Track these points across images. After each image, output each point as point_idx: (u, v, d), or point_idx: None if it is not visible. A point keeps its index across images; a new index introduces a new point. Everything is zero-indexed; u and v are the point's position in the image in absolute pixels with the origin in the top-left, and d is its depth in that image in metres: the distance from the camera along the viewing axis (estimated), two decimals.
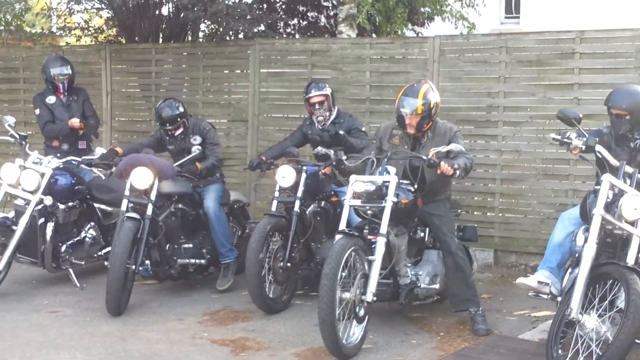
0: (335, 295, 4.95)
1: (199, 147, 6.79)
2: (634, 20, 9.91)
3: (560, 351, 4.70)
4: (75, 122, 7.66)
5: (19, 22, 11.63)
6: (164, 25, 10.54)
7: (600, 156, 5.16)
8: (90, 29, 11.51)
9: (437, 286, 5.86)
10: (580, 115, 5.40)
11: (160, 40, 10.36)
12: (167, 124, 6.91)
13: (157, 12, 10.38)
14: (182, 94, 9.09)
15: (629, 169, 5.05)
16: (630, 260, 4.77)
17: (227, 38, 10.13)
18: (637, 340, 4.59)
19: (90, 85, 9.42)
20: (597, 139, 5.28)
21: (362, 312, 5.16)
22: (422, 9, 11.17)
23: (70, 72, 7.86)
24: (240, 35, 10.11)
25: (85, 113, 7.90)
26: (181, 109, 6.97)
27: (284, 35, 10.94)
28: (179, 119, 6.91)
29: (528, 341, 5.51)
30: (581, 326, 4.63)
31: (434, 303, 6.17)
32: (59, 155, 7.16)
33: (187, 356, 5.18)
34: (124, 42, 10.70)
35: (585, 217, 5.02)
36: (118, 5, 9.70)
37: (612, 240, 5.00)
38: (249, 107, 8.88)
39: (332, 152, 6.09)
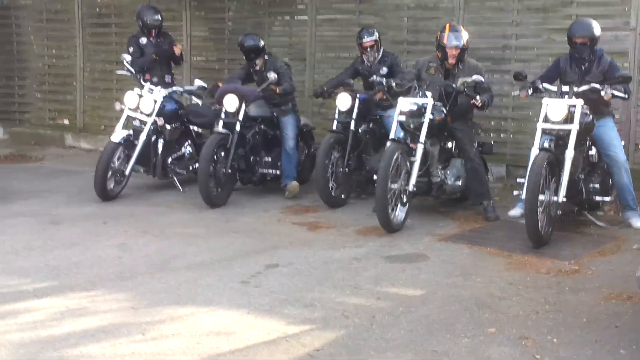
0: (387, 184, 6.53)
1: (275, 76, 8.14)
2: None
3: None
4: (179, 48, 9.26)
5: None
6: None
7: (544, 90, 6.72)
8: None
9: (459, 183, 7.42)
10: (525, 73, 6.87)
11: None
12: (244, 47, 8.49)
13: None
14: None
15: (565, 89, 6.47)
16: (570, 149, 6.24)
17: None
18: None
19: (172, 29, 10.88)
20: (544, 76, 6.85)
21: (405, 199, 6.85)
22: None
23: (160, 19, 9.32)
24: None
25: (174, 54, 9.41)
26: (259, 43, 8.56)
27: None
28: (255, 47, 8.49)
29: None
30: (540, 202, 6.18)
31: (457, 201, 7.83)
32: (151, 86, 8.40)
33: (277, 230, 6.94)
34: None
35: None
36: None
37: (563, 141, 6.40)
38: (306, 48, 10.31)
39: (384, 80, 7.58)
